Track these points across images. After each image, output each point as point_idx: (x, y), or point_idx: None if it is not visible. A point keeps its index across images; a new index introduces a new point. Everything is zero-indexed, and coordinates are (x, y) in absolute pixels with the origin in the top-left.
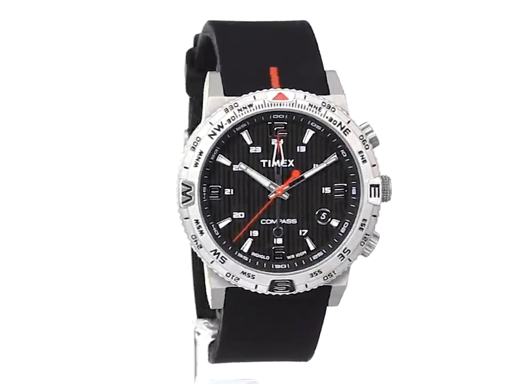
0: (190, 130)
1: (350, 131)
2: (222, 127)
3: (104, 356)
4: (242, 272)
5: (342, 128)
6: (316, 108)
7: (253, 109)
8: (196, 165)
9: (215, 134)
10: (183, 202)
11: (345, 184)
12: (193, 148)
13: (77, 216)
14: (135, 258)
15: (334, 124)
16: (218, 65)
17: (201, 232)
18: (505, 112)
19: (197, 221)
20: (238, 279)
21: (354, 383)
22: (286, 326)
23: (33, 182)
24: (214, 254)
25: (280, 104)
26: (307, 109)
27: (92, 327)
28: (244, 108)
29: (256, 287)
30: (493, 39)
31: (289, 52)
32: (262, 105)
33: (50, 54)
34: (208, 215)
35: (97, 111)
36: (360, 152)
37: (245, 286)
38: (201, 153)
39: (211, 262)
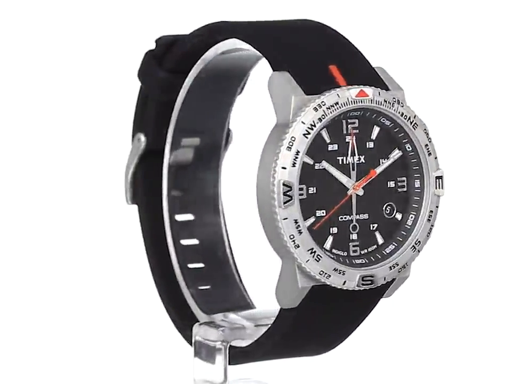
0: (149, 131)
1: (417, 125)
2: (315, 126)
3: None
4: (334, 269)
5: (411, 123)
6: (390, 104)
7: (339, 107)
8: (293, 164)
9: (309, 133)
10: (284, 203)
11: (407, 178)
12: (289, 148)
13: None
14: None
15: (405, 119)
16: (273, 65)
17: (300, 232)
18: None
19: (296, 221)
20: (330, 276)
21: (360, 382)
22: (342, 320)
23: None
24: (311, 253)
25: (361, 101)
26: (383, 104)
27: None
28: (331, 106)
29: (344, 283)
30: None
31: (332, 50)
32: (346, 102)
33: (25, 46)
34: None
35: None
36: (426, 145)
37: (334, 283)
38: (297, 153)
39: (307, 261)
